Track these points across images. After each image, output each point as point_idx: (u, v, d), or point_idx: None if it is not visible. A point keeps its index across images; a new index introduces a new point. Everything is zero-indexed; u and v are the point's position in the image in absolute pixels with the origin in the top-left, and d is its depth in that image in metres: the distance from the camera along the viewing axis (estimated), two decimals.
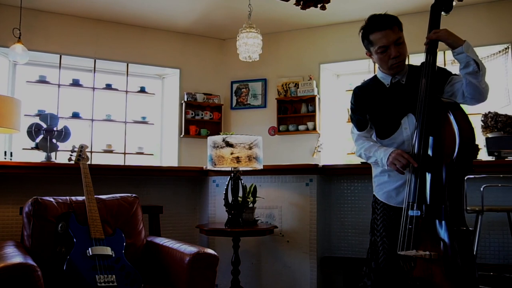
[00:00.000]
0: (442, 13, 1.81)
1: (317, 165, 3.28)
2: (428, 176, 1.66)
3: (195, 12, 5.79)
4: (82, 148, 2.76)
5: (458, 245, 1.53)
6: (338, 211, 3.39)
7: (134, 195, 2.57)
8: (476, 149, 2.85)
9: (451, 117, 1.64)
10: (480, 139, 3.29)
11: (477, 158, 3.33)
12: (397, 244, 1.80)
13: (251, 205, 3.09)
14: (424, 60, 1.85)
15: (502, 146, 3.35)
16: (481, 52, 5.60)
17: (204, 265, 1.99)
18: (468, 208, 2.53)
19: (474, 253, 2.04)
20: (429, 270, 1.53)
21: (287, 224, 3.25)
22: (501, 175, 2.81)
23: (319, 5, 2.95)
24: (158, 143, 6.52)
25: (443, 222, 1.57)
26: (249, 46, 4.33)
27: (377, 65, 2.09)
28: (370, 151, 2.01)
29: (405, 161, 1.77)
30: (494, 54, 5.64)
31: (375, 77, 2.09)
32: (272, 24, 6.01)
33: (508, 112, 5.22)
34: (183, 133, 6.21)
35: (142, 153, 6.07)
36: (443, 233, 1.56)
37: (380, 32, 1.88)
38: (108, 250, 2.07)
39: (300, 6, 2.99)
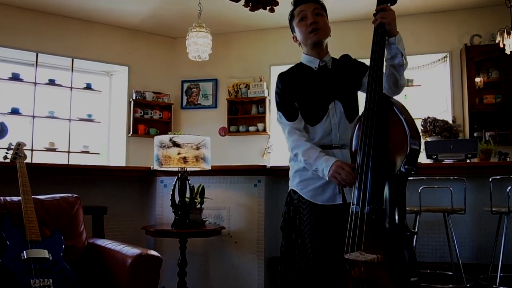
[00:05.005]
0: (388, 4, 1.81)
1: (265, 166, 3.30)
2: (373, 180, 1.62)
3: (145, 9, 5.66)
4: (19, 146, 2.60)
5: (401, 247, 1.55)
6: None
7: (75, 195, 2.46)
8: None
9: (401, 118, 1.60)
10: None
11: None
12: (325, 243, 1.77)
13: (198, 205, 3.06)
14: (373, 36, 1.78)
15: (439, 149, 3.55)
16: (422, 60, 5.90)
17: (147, 267, 1.93)
18: (407, 208, 2.62)
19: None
20: (374, 272, 1.54)
21: (235, 225, 3.25)
22: (437, 177, 2.96)
23: (267, 8, 2.98)
24: (105, 142, 6.31)
25: (386, 225, 1.57)
26: (198, 45, 4.29)
27: (301, 52, 2.05)
28: (309, 157, 1.83)
29: (345, 174, 1.69)
30: (434, 62, 5.96)
31: (299, 63, 2.04)
32: (224, 25, 6.00)
33: (447, 116, 5.56)
34: (131, 132, 6.06)
35: (87, 152, 5.85)
36: (387, 236, 1.57)
37: (302, 5, 1.96)
38: (44, 253, 1.96)
39: (249, 8, 3.01)
